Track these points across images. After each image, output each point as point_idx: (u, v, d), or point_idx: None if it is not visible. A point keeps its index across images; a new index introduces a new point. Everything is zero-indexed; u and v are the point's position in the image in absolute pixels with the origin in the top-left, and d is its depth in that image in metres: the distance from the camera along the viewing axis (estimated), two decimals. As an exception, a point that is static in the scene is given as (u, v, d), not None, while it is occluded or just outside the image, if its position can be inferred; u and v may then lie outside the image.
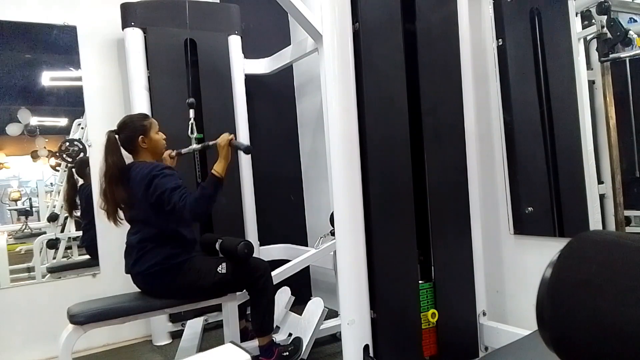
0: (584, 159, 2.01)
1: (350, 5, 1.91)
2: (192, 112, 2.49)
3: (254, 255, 2.24)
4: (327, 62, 1.92)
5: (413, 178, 2.02)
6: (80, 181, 3.13)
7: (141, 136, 2.17)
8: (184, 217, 2.05)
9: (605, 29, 1.89)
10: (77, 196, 3.14)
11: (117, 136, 2.17)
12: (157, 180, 2.04)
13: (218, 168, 2.11)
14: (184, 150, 2.44)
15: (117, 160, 2.12)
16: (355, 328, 1.89)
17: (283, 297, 2.73)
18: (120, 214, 2.17)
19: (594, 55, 1.96)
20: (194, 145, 2.45)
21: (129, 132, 2.17)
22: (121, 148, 2.18)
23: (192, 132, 2.49)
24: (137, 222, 2.14)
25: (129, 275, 2.18)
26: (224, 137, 2.17)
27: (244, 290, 2.31)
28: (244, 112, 3.14)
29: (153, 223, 2.10)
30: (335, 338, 2.74)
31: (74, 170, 3.10)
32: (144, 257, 2.10)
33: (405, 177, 2.00)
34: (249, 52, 3.24)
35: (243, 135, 3.11)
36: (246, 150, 2.30)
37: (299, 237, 3.55)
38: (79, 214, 3.16)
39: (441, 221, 2.10)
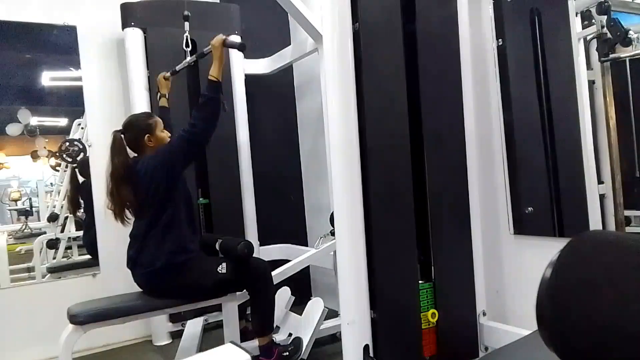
0: (584, 159, 2.01)
1: (350, 5, 1.91)
2: (187, 25, 2.49)
3: (254, 255, 2.24)
4: (327, 62, 1.92)
5: (413, 178, 2.02)
6: (82, 179, 3.12)
7: (147, 135, 2.17)
8: (200, 135, 2.08)
9: (605, 29, 1.89)
10: (79, 196, 3.14)
11: (122, 136, 2.18)
12: (161, 153, 2.10)
13: (213, 72, 2.12)
14: (178, 67, 2.44)
15: (124, 160, 2.13)
16: (355, 328, 1.89)
17: (283, 297, 2.73)
18: (127, 213, 2.17)
19: (594, 55, 1.95)
20: (188, 58, 2.44)
21: (134, 131, 2.18)
22: (127, 147, 2.18)
23: (187, 46, 2.49)
24: (143, 215, 2.14)
25: (129, 276, 2.18)
26: (218, 38, 2.17)
27: (244, 290, 2.31)
28: (244, 112, 3.14)
29: (158, 213, 2.10)
30: (335, 338, 2.74)
31: (77, 170, 3.10)
32: (147, 247, 2.10)
33: (405, 177, 2.00)
34: (249, 52, 3.22)
35: (243, 135, 3.11)
36: (240, 47, 2.26)
37: (299, 237, 3.55)
38: (81, 213, 3.17)
39: (441, 221, 2.10)
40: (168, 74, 2.47)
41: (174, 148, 2.11)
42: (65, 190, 3.13)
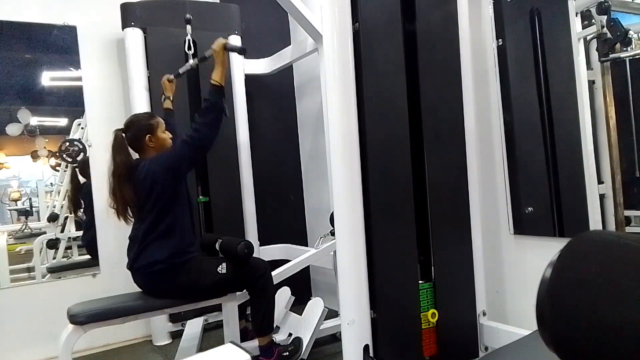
0: (584, 159, 2.01)
1: (350, 5, 1.92)
2: (189, 28, 2.48)
3: (254, 255, 2.24)
4: (327, 62, 1.92)
5: (413, 178, 2.02)
6: (83, 180, 3.12)
7: (148, 135, 2.17)
8: (204, 139, 2.09)
9: (605, 29, 1.89)
10: (80, 196, 3.14)
11: (124, 135, 2.18)
12: (164, 158, 2.10)
13: (216, 76, 2.14)
14: (181, 70, 2.44)
15: (125, 158, 2.13)
16: (355, 328, 1.89)
17: (283, 297, 2.73)
18: (130, 212, 2.17)
19: (594, 55, 1.95)
20: (191, 61, 2.44)
21: (135, 130, 2.18)
22: (128, 147, 2.18)
23: (189, 49, 2.49)
24: (143, 217, 2.14)
25: (129, 276, 2.18)
26: (219, 43, 2.17)
27: (244, 290, 2.31)
28: (244, 112, 3.14)
29: (158, 217, 2.10)
30: (335, 338, 2.74)
31: (77, 170, 3.10)
32: (146, 250, 2.10)
33: (405, 177, 2.00)
34: (249, 52, 3.23)
35: (243, 135, 3.11)
36: (241, 51, 2.27)
37: (299, 237, 3.54)
38: (82, 213, 3.17)
39: (441, 221, 2.10)
40: (172, 77, 2.46)
41: (177, 153, 2.11)
42: (66, 190, 3.13)
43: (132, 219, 2.18)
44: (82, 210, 3.15)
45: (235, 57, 3.13)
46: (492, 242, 2.39)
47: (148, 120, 2.21)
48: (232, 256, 2.21)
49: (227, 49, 2.17)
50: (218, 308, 2.65)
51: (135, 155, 2.23)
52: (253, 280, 2.23)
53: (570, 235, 0.70)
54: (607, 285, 0.60)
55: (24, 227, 3.10)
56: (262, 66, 3.31)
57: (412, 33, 2.06)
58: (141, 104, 2.85)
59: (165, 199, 2.08)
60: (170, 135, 2.27)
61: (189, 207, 2.21)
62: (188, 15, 2.48)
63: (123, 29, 2.90)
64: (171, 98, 2.56)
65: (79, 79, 3.01)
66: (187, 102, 2.96)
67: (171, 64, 2.93)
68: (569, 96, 2.05)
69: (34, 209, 3.17)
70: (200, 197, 3.03)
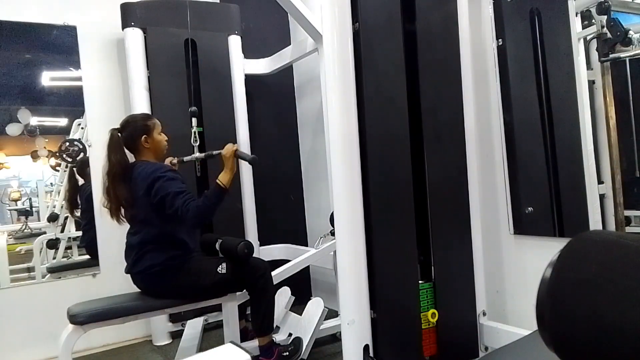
0: (584, 159, 2.01)
1: (350, 5, 1.91)
2: (194, 121, 2.48)
3: (254, 255, 2.24)
4: (327, 62, 1.92)
5: (413, 178, 2.02)
6: (81, 181, 3.13)
7: (144, 136, 2.17)
8: (185, 221, 2.04)
9: (605, 29, 1.89)
10: (78, 196, 3.14)
11: (119, 134, 2.17)
12: (160, 183, 2.04)
13: (223, 179, 2.09)
14: (186, 158, 2.41)
15: (120, 158, 2.12)
16: (355, 328, 1.89)
17: (283, 297, 2.73)
18: (123, 212, 2.17)
19: (594, 55, 1.95)
20: (197, 154, 2.42)
21: (131, 130, 2.18)
22: (124, 147, 2.17)
23: (195, 141, 2.47)
24: (138, 222, 2.14)
25: (129, 275, 2.18)
26: (229, 149, 2.15)
27: (244, 290, 2.31)
28: (244, 112, 3.14)
29: (153, 224, 2.10)
30: (335, 338, 2.74)
31: (75, 169, 3.10)
32: (143, 257, 2.10)
33: (406, 177, 2.00)
34: (249, 52, 3.24)
35: (243, 135, 3.11)
36: (252, 162, 2.24)
37: (299, 237, 3.55)
38: (79, 213, 3.16)
39: (441, 221, 2.10)
40: (175, 161, 2.41)
41: (166, 202, 2.03)
42: (65, 190, 3.13)
43: (124, 220, 2.17)
44: (79, 210, 3.15)
45: (235, 57, 3.14)
46: (492, 242, 2.39)
47: (144, 121, 2.21)
48: (232, 256, 2.21)
49: (237, 156, 2.17)
50: (218, 308, 2.65)
51: (130, 156, 2.22)
52: (253, 280, 2.22)
53: (570, 235, 0.70)
54: (607, 285, 0.60)
55: (24, 227, 3.10)
56: (262, 66, 3.31)
57: (412, 33, 2.06)
58: (141, 104, 2.85)
59: (159, 208, 2.07)
60: (167, 138, 2.26)
61: None
62: (194, 108, 2.48)
63: (123, 29, 2.90)
64: None
65: (79, 79, 3.01)
66: (186, 101, 2.94)
67: (171, 64, 2.94)
68: (569, 96, 2.05)
69: (34, 209, 3.17)
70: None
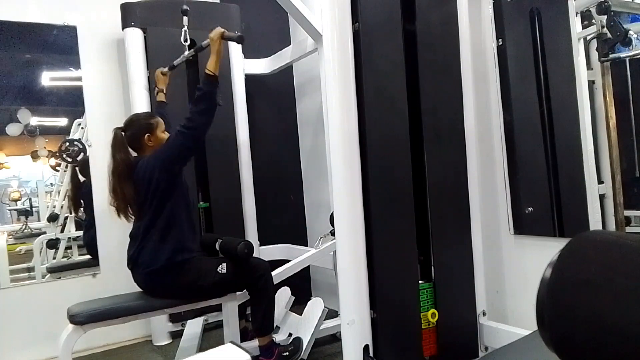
0: (584, 159, 2.01)
1: (350, 5, 1.92)
2: (185, 19, 2.49)
3: (254, 255, 2.24)
4: (327, 62, 1.92)
5: (413, 178, 2.02)
6: (83, 179, 3.12)
7: (147, 134, 2.18)
8: (198, 128, 2.08)
9: (605, 29, 1.89)
10: (80, 195, 3.14)
11: (123, 133, 2.18)
12: (160, 151, 2.10)
13: (210, 66, 2.11)
14: (176, 62, 2.44)
15: (125, 156, 2.14)
16: (355, 328, 1.89)
17: (283, 297, 2.73)
18: (130, 209, 2.17)
19: (594, 55, 1.95)
20: (186, 53, 2.43)
21: (135, 129, 2.19)
22: (127, 145, 2.19)
23: (185, 40, 2.49)
24: (143, 213, 2.13)
25: (129, 276, 2.18)
26: (217, 32, 2.14)
27: (244, 290, 2.31)
28: (244, 112, 3.14)
29: (159, 210, 2.09)
30: (335, 338, 2.74)
31: (77, 169, 3.10)
32: (147, 247, 2.10)
33: (405, 177, 2.00)
34: (249, 52, 3.24)
35: (243, 135, 3.11)
36: (239, 40, 2.22)
37: (299, 237, 3.54)
38: (82, 213, 3.17)
39: (441, 221, 2.10)
40: (166, 69, 2.49)
41: (171, 145, 2.11)
42: (66, 190, 3.13)
43: (133, 217, 2.18)
44: (82, 209, 3.15)
45: (235, 57, 3.13)
46: (492, 242, 2.39)
47: (148, 120, 2.22)
48: (232, 256, 2.21)
49: (225, 37, 2.15)
50: (218, 308, 2.65)
51: (134, 155, 2.22)
52: (253, 280, 2.23)
53: (570, 235, 0.70)
54: (606, 285, 0.60)
55: (24, 227, 3.09)
56: (262, 66, 3.31)
57: (412, 33, 2.06)
58: (141, 104, 2.85)
59: (162, 191, 2.08)
60: (169, 136, 2.27)
61: (188, 202, 2.21)
62: (185, 7, 2.47)
63: (123, 29, 2.90)
64: (164, 91, 2.57)
65: (79, 79, 3.01)
66: (186, 97, 2.95)
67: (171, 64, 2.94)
68: (569, 96, 2.05)
69: (34, 209, 3.16)
70: (201, 202, 3.03)
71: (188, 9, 2.49)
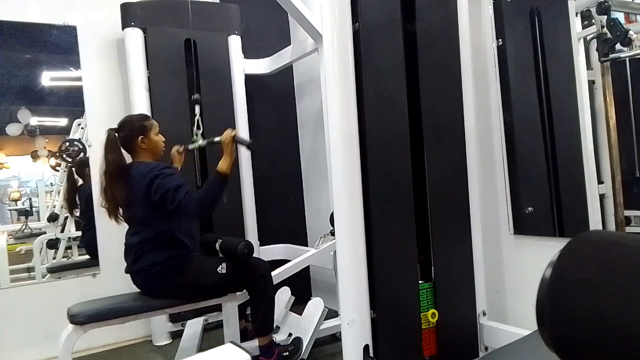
0: (584, 159, 2.01)
1: (350, 5, 1.91)
2: (197, 109, 2.52)
3: (254, 255, 2.24)
4: (327, 62, 1.92)
5: (413, 178, 2.02)
6: (80, 181, 3.12)
7: (140, 136, 2.16)
8: (189, 213, 2.06)
9: (605, 29, 1.89)
10: (77, 195, 3.14)
11: (117, 134, 2.17)
12: (158, 181, 2.04)
13: (223, 166, 2.11)
14: (190, 146, 2.46)
15: (117, 158, 2.12)
16: (355, 328, 1.89)
17: (283, 297, 2.73)
18: (121, 211, 2.16)
19: (594, 55, 1.95)
20: (200, 142, 2.46)
21: (128, 131, 2.17)
22: (121, 147, 2.17)
23: (198, 128, 2.51)
24: (136, 223, 2.14)
25: (129, 275, 2.18)
26: (228, 134, 2.17)
27: (244, 290, 2.31)
28: (244, 112, 3.14)
29: (152, 224, 2.09)
30: (335, 338, 2.74)
31: (73, 169, 3.10)
32: (143, 257, 2.10)
33: (405, 177, 2.00)
34: (249, 52, 3.24)
35: (243, 136, 3.11)
36: (249, 146, 2.32)
37: (299, 237, 3.55)
38: (78, 213, 3.16)
39: (441, 221, 2.10)
40: (182, 149, 2.44)
41: (172, 196, 2.02)
42: (64, 190, 3.13)
43: (123, 220, 2.17)
44: (78, 210, 3.15)
45: (235, 57, 3.14)
46: (492, 242, 2.39)
47: (141, 122, 2.20)
48: (232, 256, 2.21)
49: (236, 141, 2.21)
50: (218, 308, 2.65)
51: (127, 156, 2.21)
52: (253, 280, 2.23)
53: (570, 235, 0.70)
54: (606, 285, 0.60)
55: (24, 227, 3.10)
56: (262, 66, 3.31)
57: (412, 33, 2.06)
58: (141, 104, 2.85)
59: (158, 211, 2.06)
60: (164, 139, 2.26)
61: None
62: (196, 96, 2.57)
63: (123, 29, 2.90)
64: (179, 168, 2.45)
65: (79, 79, 3.01)
66: (186, 102, 2.95)
67: (171, 64, 2.94)
68: (569, 96, 2.05)
69: (34, 209, 3.17)
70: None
71: (200, 98, 2.57)
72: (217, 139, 2.25)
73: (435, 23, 2.11)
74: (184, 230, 2.16)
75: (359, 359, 1.89)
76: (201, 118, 2.52)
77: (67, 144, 3.04)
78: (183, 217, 2.14)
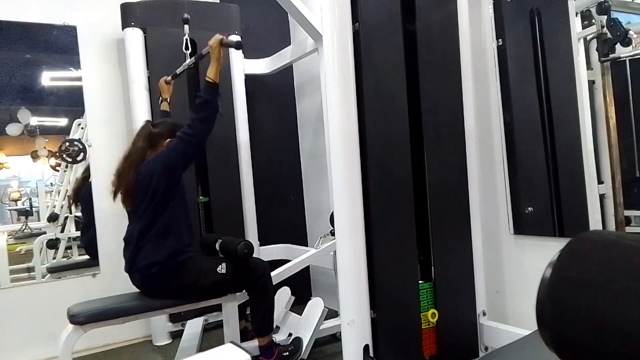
0: (584, 159, 2.01)
1: (350, 5, 1.91)
2: (187, 28, 2.50)
3: (253, 255, 2.24)
4: (327, 62, 1.92)
5: (413, 178, 2.02)
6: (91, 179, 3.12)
7: (169, 139, 2.19)
8: (201, 135, 2.11)
9: (605, 29, 1.89)
10: (79, 195, 3.14)
11: (151, 127, 2.23)
12: (160, 157, 2.11)
13: (210, 73, 2.12)
14: (178, 70, 2.47)
15: (144, 147, 2.18)
16: (355, 328, 1.89)
17: (283, 297, 2.73)
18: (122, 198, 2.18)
19: (594, 55, 1.95)
20: (188, 61, 2.45)
21: (162, 129, 2.23)
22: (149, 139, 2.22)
23: (186, 48, 2.51)
24: (138, 216, 2.14)
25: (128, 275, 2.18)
26: (215, 39, 2.16)
27: (244, 290, 2.31)
28: (244, 112, 3.14)
29: (154, 216, 2.09)
30: (335, 338, 2.74)
31: (69, 196, 3.11)
32: (142, 251, 2.09)
33: (405, 177, 2.00)
34: (249, 52, 3.24)
35: (243, 135, 3.11)
36: (237, 46, 2.24)
37: (299, 237, 3.54)
38: (79, 213, 3.16)
39: (441, 221, 2.10)
40: (169, 78, 2.48)
41: (172, 151, 2.12)
42: (66, 189, 3.13)
43: (124, 206, 2.19)
44: (79, 209, 3.15)
45: (235, 57, 3.13)
46: (492, 242, 2.39)
47: (174, 127, 2.23)
48: (232, 256, 2.21)
49: (223, 44, 2.16)
50: (218, 308, 2.65)
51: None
52: (253, 280, 2.23)
53: (570, 235, 0.70)
54: (607, 285, 0.60)
55: (24, 227, 3.09)
56: (262, 66, 3.31)
57: (412, 33, 2.06)
58: (141, 104, 2.85)
59: (160, 197, 2.08)
60: None
61: (186, 207, 2.21)
62: (186, 15, 2.48)
63: (123, 29, 2.90)
64: (168, 100, 2.58)
65: (79, 79, 3.01)
66: (187, 103, 2.95)
67: (171, 64, 2.93)
68: (569, 96, 2.05)
69: (34, 209, 3.17)
70: (201, 197, 3.04)
71: (189, 17, 2.50)
72: (205, 50, 2.23)
73: (435, 23, 2.11)
74: (183, 219, 2.17)
75: (359, 359, 1.89)
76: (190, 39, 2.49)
77: (67, 144, 3.04)
78: (200, 148, 2.21)
